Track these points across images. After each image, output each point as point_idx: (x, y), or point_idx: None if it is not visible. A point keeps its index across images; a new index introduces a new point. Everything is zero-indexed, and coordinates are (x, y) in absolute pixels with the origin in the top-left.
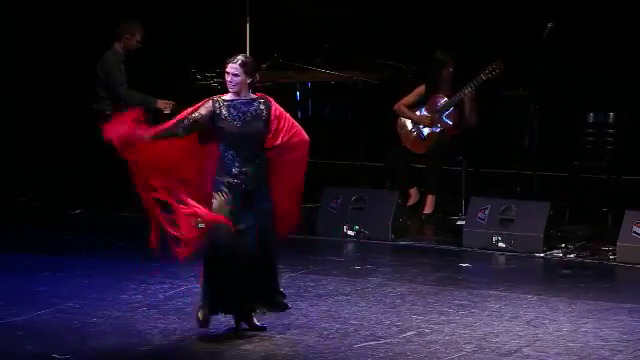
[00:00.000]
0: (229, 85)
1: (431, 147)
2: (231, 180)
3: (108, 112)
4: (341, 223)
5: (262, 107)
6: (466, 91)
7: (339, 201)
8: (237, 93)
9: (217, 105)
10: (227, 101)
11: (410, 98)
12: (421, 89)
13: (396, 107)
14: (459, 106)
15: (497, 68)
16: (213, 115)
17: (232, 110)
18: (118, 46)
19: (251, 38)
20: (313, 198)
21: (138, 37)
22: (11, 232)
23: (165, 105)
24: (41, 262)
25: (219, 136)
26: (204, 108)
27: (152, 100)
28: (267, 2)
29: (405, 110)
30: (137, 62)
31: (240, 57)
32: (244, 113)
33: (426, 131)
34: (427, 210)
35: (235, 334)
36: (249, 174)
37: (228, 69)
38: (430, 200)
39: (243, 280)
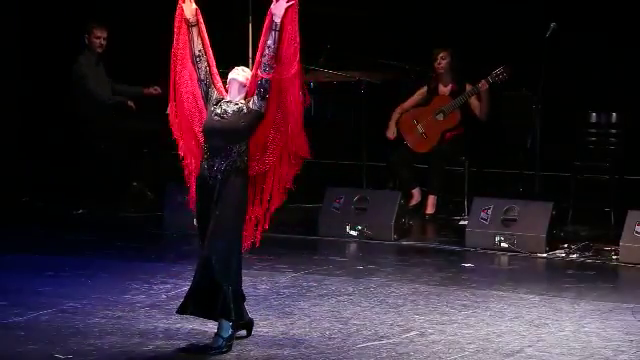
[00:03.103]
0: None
1: (434, 147)
2: (203, 173)
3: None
4: (343, 223)
5: (243, 101)
6: (468, 95)
7: (342, 201)
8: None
9: (212, 91)
10: (218, 98)
11: (415, 98)
12: (423, 90)
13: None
14: (463, 106)
15: (504, 72)
16: (208, 87)
17: (216, 105)
18: (86, 51)
19: (254, 39)
20: (315, 198)
21: (97, 33)
22: (13, 232)
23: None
24: (43, 262)
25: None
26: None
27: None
28: (270, 2)
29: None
30: (138, 64)
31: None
32: (225, 111)
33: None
34: (429, 211)
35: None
36: (216, 167)
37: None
38: (431, 201)
39: (198, 285)
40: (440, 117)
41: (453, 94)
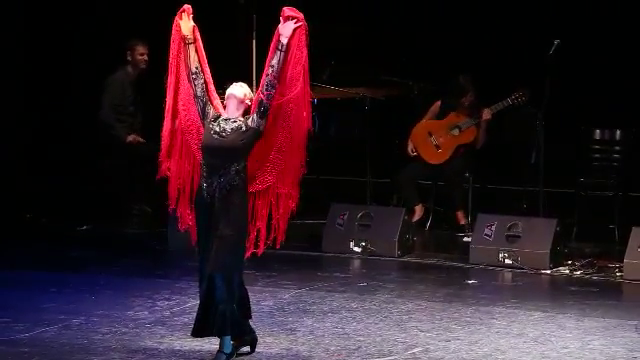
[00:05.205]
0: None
1: (446, 161)
2: (201, 191)
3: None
4: (347, 239)
5: (242, 118)
6: (485, 114)
7: (345, 217)
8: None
9: (208, 107)
10: (216, 115)
11: (428, 116)
12: (436, 106)
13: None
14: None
15: (523, 95)
16: (204, 104)
17: (215, 123)
18: (128, 67)
19: (258, 56)
20: (319, 214)
21: (140, 50)
22: (17, 248)
23: (133, 139)
24: (47, 278)
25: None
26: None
27: (123, 135)
28: (274, 20)
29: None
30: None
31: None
32: (224, 129)
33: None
34: (463, 222)
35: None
36: (214, 185)
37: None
38: (461, 214)
39: (204, 302)
40: (455, 132)
41: (469, 115)
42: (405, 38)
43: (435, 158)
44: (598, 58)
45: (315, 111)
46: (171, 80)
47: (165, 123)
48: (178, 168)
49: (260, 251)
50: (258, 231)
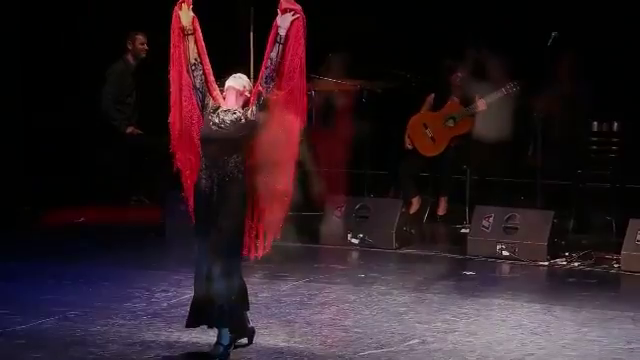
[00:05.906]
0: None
1: (442, 153)
2: (200, 183)
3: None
4: (345, 231)
5: (241, 110)
6: (479, 104)
7: (343, 209)
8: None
9: (207, 99)
10: (215, 107)
11: (425, 108)
12: (430, 98)
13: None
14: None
15: (517, 85)
16: (204, 95)
17: (214, 114)
18: (128, 56)
19: (256, 49)
20: (317, 207)
21: (140, 39)
22: (15, 240)
23: (132, 131)
24: (45, 270)
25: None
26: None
27: (123, 126)
28: (273, 13)
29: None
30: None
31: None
32: (223, 120)
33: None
34: (440, 212)
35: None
36: (213, 177)
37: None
38: (443, 203)
39: (201, 294)
40: (450, 123)
41: (464, 103)
42: (400, 31)
43: (431, 150)
44: (596, 50)
45: (314, 103)
46: (173, 72)
47: (172, 114)
48: (185, 160)
49: (259, 255)
50: (256, 233)
